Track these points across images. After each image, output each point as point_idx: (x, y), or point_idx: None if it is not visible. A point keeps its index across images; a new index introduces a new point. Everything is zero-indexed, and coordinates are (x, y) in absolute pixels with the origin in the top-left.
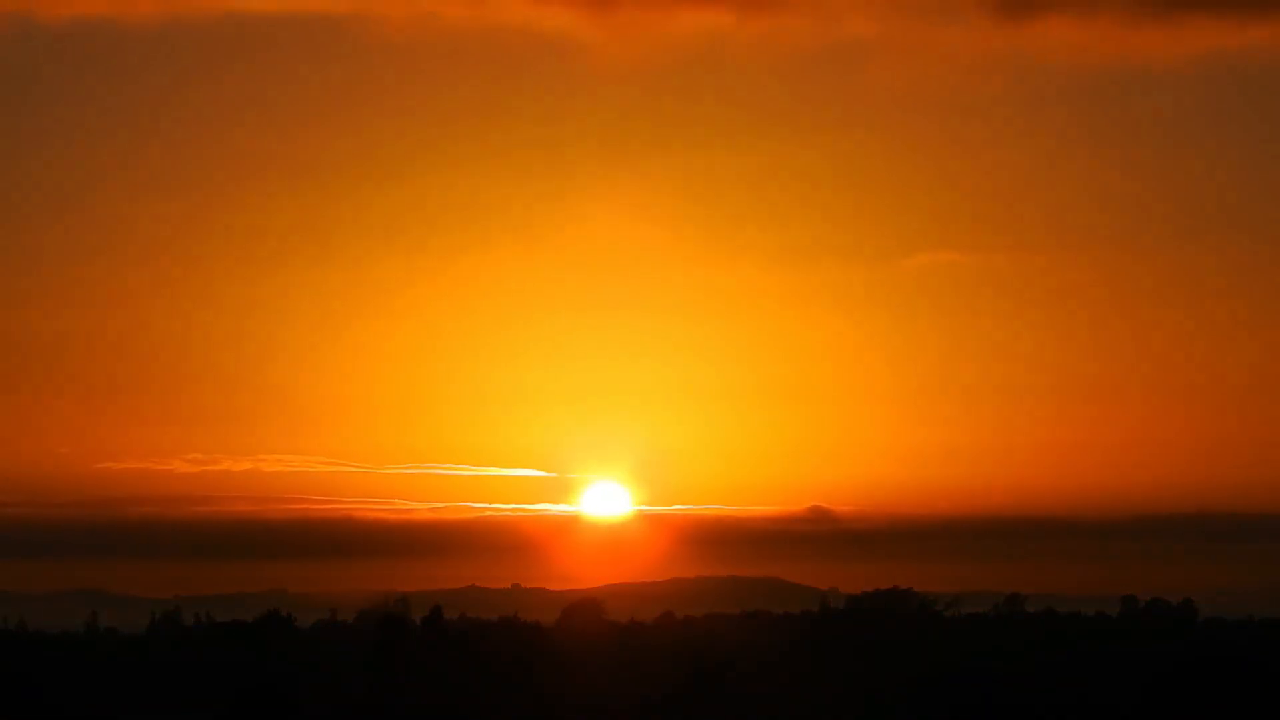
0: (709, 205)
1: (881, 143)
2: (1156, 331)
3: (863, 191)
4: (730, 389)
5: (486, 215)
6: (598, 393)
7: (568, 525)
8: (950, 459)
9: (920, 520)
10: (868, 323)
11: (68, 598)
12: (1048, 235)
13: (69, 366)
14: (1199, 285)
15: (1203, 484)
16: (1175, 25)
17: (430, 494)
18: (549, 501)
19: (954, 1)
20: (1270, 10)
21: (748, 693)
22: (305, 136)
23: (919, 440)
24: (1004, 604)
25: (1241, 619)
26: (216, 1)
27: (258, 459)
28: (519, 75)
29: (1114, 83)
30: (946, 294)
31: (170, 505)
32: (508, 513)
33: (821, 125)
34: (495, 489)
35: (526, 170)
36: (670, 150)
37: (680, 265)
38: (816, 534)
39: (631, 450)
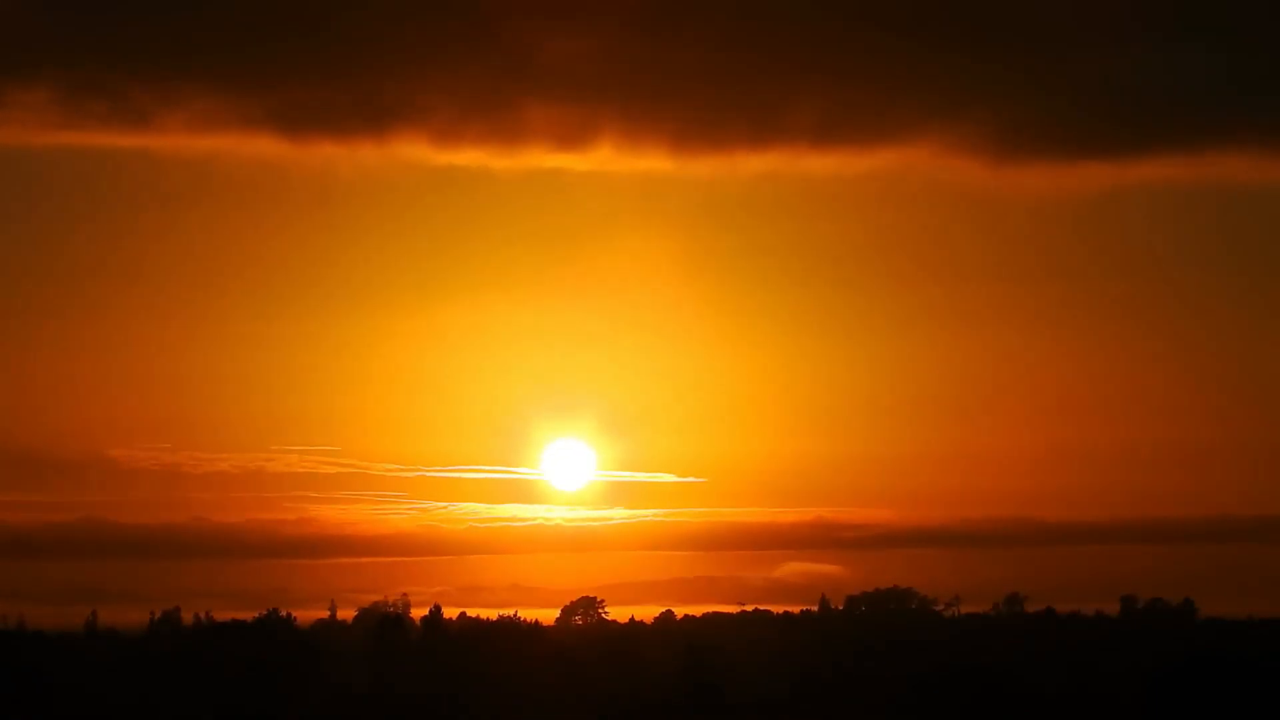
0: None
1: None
2: (1152, 344)
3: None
4: (736, 402)
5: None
6: (601, 401)
7: (567, 526)
8: (951, 465)
9: (922, 524)
10: (870, 340)
11: (68, 598)
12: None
13: (78, 366)
14: (1184, 302)
15: (1203, 487)
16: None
17: (432, 494)
18: (547, 503)
19: (644, 141)
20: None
21: (747, 691)
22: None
23: (920, 447)
24: (1004, 603)
25: (1241, 619)
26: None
27: (264, 458)
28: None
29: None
30: (952, 315)
31: (172, 505)
32: (509, 513)
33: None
34: (497, 490)
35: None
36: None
37: (686, 291)
38: (820, 540)
39: (636, 454)
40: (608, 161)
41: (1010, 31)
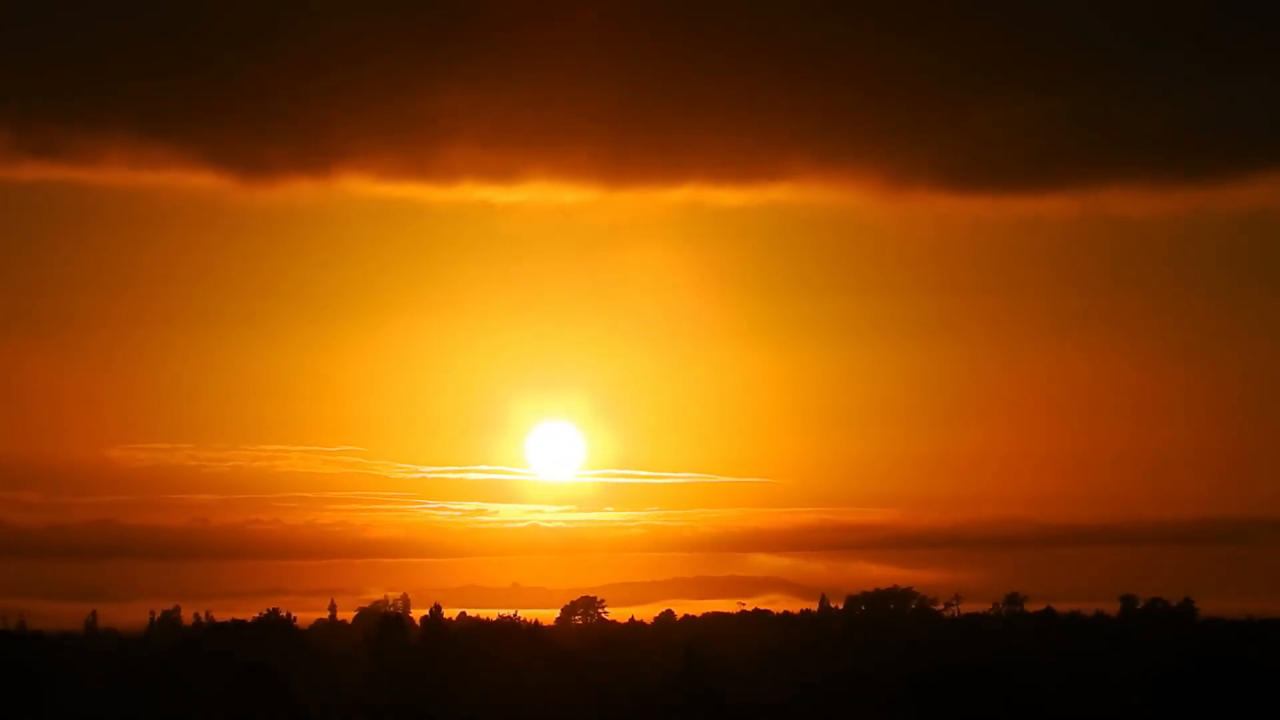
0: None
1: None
2: (1155, 353)
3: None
4: (737, 406)
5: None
6: (599, 404)
7: (567, 526)
8: (953, 468)
9: (924, 526)
10: (877, 349)
11: (68, 598)
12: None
13: (77, 371)
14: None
15: (1203, 491)
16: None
17: (432, 494)
18: (546, 504)
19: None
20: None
21: (747, 691)
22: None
23: (922, 450)
24: (1004, 603)
25: (1241, 619)
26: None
27: (264, 460)
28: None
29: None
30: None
31: (173, 506)
32: (509, 513)
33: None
34: (497, 490)
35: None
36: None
37: (703, 302)
38: (822, 540)
39: (636, 455)
40: (540, 194)
41: (907, 83)
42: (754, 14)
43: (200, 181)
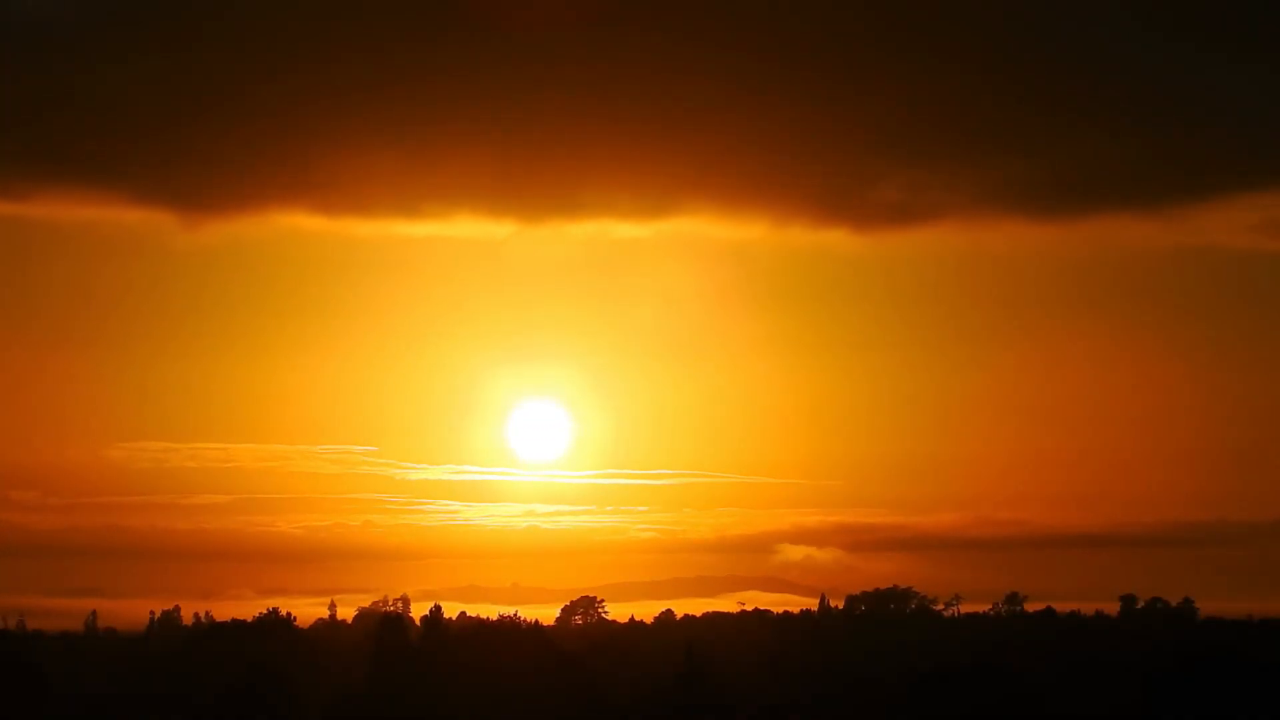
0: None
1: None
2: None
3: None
4: (739, 408)
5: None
6: (599, 406)
7: (568, 526)
8: (955, 470)
9: (925, 527)
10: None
11: (68, 598)
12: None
13: (78, 373)
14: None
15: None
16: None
17: (433, 494)
18: (546, 503)
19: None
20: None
21: (747, 690)
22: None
23: (924, 451)
24: (1004, 603)
25: (1241, 619)
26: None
27: (265, 461)
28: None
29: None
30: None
31: (173, 507)
32: (509, 513)
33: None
34: (496, 490)
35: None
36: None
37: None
38: (823, 541)
39: (637, 456)
40: (460, 228)
41: (784, 136)
42: (654, 70)
43: (144, 216)
